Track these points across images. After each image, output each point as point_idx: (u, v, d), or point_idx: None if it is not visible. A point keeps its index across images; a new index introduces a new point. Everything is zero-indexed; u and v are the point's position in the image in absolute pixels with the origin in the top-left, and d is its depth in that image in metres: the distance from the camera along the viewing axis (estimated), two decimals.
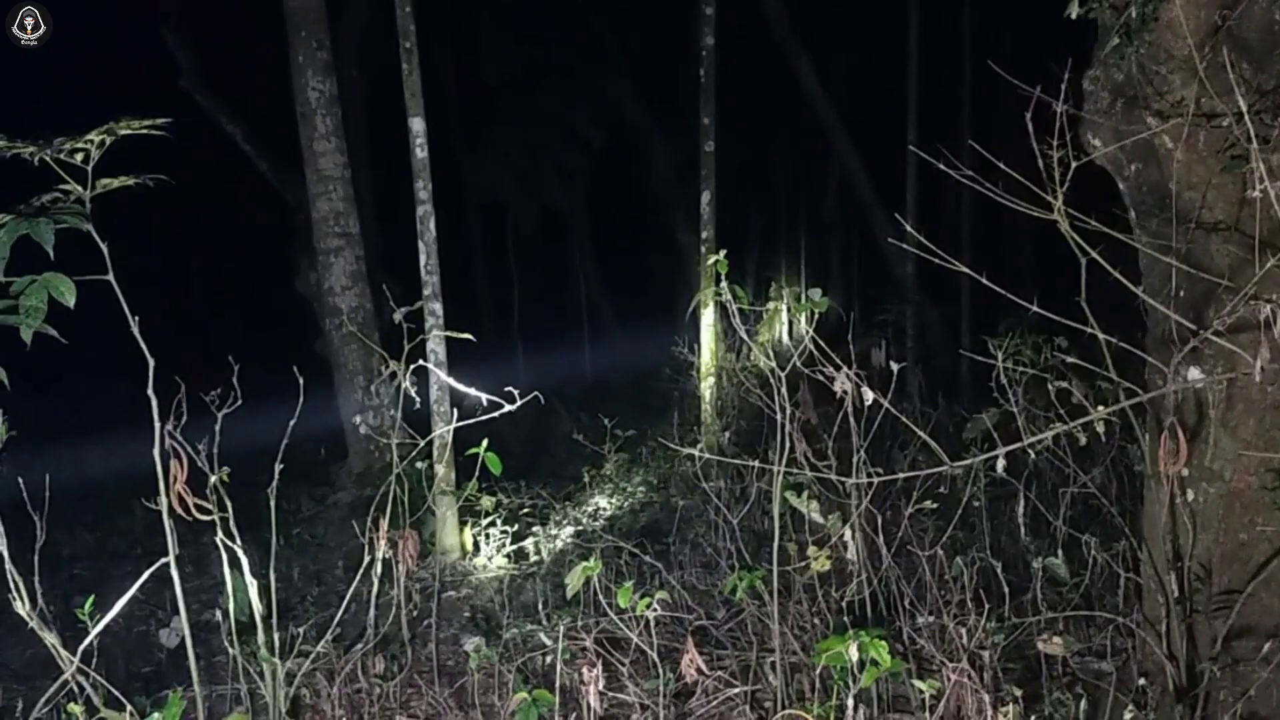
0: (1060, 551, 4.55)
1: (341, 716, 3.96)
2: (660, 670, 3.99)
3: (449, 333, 6.44)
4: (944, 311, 12.84)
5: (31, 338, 2.69)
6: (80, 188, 2.86)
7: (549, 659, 4.25)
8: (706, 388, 8.51)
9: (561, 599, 4.95)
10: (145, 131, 2.98)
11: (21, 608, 3.14)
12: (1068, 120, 2.75)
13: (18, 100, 12.54)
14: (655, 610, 3.80)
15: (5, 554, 3.10)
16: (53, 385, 8.11)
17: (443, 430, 5.94)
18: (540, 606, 5.18)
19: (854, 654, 3.29)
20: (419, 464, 5.90)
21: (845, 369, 3.75)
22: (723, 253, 4.00)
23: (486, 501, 5.51)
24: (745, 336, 4.48)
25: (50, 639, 3.19)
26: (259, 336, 10.60)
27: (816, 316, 3.82)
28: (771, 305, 4.37)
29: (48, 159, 2.83)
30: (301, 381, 4.26)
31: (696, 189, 8.68)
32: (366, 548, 4.42)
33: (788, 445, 3.99)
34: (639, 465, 7.55)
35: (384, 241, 11.08)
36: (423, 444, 4.64)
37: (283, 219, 10.53)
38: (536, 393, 4.40)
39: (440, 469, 6.07)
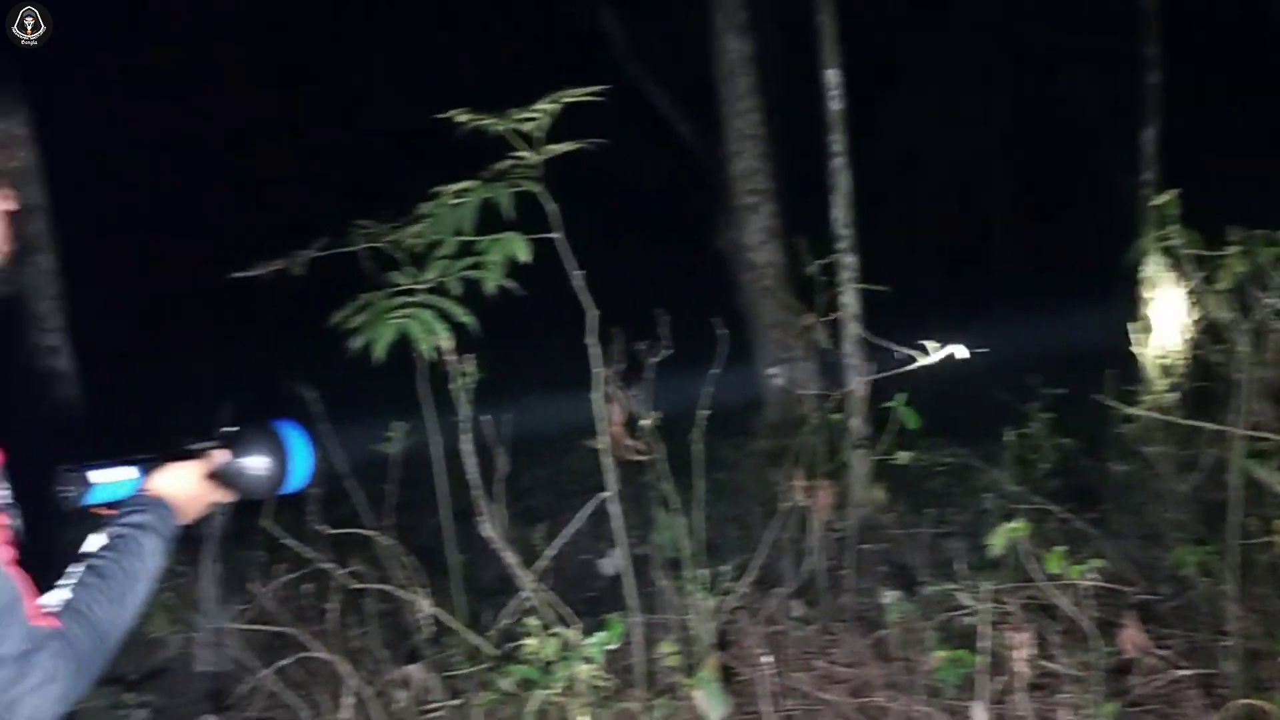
0: None
1: (764, 653, 4.11)
2: (1095, 643, 3.72)
3: (863, 285, 6.40)
4: None
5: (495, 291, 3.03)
6: (532, 153, 3.15)
7: (969, 619, 4.13)
8: (1149, 343, 7.74)
9: (981, 559, 4.77)
10: (582, 100, 3.22)
11: (489, 530, 3.58)
12: None
13: (471, 78, 14.27)
14: (1090, 579, 3.55)
15: (477, 482, 3.55)
16: (514, 339, 9.06)
17: (857, 382, 5.91)
18: (959, 565, 5.02)
19: None
20: (834, 416, 5.92)
21: None
22: (1174, 192, 3.60)
23: (903, 456, 5.40)
24: (1198, 286, 4.02)
25: (511, 559, 3.61)
26: (683, 292, 11.16)
27: None
28: (1231, 250, 3.88)
29: (504, 129, 3.15)
30: (722, 334, 4.43)
31: (1134, 126, 7.91)
32: (782, 496, 4.54)
33: (1250, 408, 3.54)
34: (1070, 425, 7.05)
35: (794, 197, 11.21)
36: (836, 396, 4.65)
37: (700, 178, 10.98)
38: (952, 348, 4.23)
39: (854, 422, 6.05)
